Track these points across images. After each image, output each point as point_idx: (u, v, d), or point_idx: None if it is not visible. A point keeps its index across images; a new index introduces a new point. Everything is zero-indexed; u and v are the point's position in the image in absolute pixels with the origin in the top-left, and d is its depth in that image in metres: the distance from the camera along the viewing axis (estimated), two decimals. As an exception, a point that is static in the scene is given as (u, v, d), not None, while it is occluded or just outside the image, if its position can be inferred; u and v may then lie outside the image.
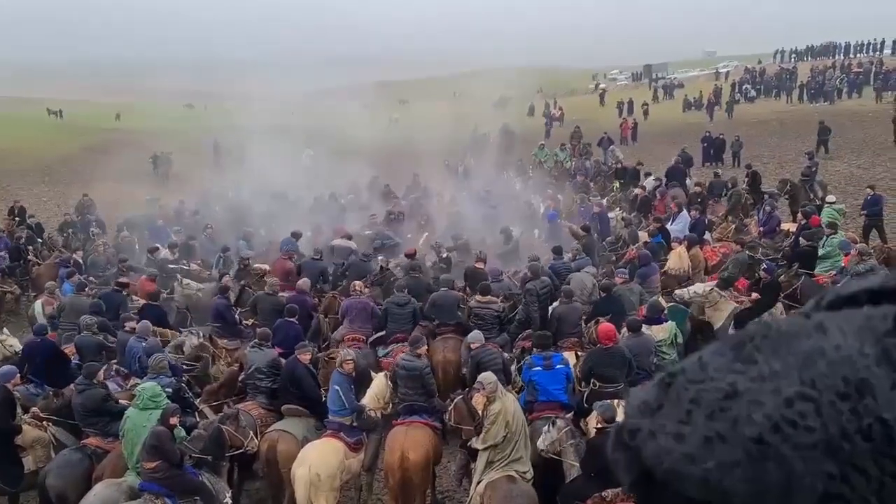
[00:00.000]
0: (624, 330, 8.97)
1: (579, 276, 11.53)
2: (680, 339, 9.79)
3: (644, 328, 9.10)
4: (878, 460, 0.54)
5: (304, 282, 12.54)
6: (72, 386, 8.81)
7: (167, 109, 57.24)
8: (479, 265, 13.06)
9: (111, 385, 8.92)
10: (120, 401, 8.41)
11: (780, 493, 0.54)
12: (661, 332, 9.21)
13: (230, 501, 7.69)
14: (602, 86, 65.58)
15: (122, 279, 13.13)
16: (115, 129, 48.23)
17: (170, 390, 8.31)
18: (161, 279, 13.71)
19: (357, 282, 11.87)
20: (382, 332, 10.95)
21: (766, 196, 16.71)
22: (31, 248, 18.05)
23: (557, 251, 13.03)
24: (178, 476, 7.09)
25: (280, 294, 12.19)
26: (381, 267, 13.76)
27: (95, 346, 10.30)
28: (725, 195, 18.21)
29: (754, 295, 11.06)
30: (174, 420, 7.34)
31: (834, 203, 15.69)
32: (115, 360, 10.12)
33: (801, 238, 13.50)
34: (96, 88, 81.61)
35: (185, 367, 9.81)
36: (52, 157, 41.30)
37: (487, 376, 7.36)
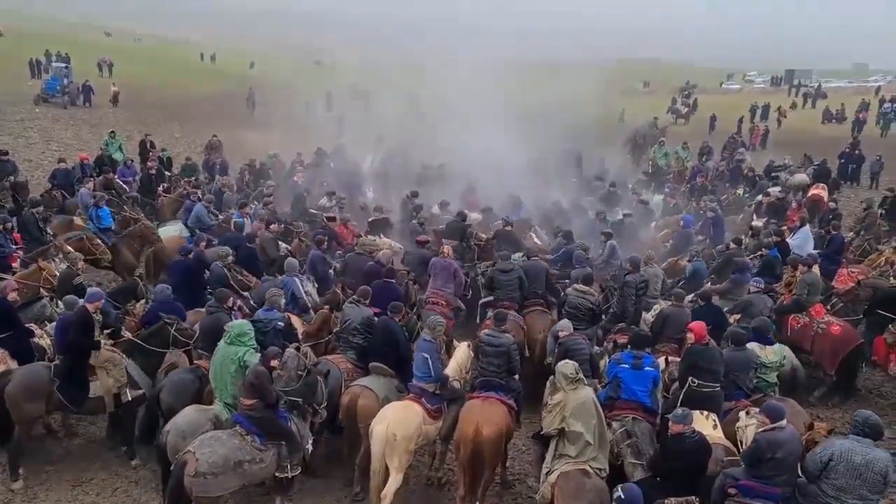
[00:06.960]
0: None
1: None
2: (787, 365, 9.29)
3: (756, 346, 8.64)
4: None
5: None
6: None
7: (297, 63, 59.14)
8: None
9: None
10: None
11: None
12: (772, 355, 8.71)
13: (311, 447, 7.94)
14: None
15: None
16: (248, 76, 50.44)
17: (281, 325, 8.77)
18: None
19: (446, 245, 11.96)
20: (491, 297, 11.20)
21: None
22: (160, 181, 19.17)
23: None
24: (271, 418, 7.29)
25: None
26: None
27: (218, 277, 10.92)
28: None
29: None
30: (274, 362, 7.52)
31: None
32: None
33: None
34: (237, 36, 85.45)
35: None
36: (189, 98, 43.77)
37: (564, 366, 7.22)
